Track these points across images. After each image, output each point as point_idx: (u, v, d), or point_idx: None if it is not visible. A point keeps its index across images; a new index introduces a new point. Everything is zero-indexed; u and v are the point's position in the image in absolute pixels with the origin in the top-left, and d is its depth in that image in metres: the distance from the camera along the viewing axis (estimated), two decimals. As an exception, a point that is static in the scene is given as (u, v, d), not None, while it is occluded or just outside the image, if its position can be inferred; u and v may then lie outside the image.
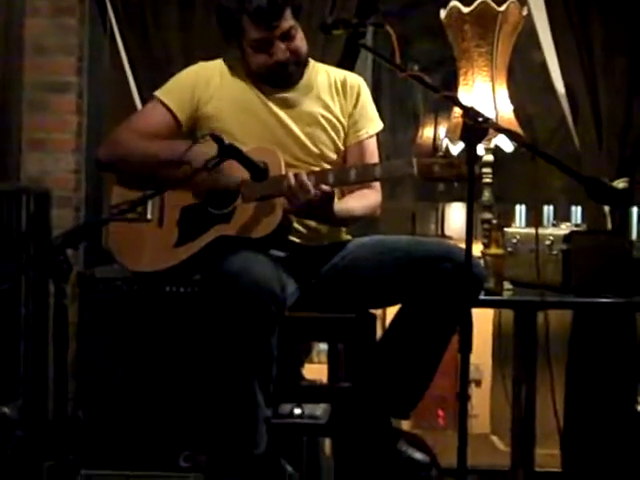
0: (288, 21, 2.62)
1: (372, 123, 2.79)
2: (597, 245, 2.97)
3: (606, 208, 3.19)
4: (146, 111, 2.80)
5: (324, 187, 2.49)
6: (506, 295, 2.94)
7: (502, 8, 3.23)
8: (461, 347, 2.17)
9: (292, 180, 2.50)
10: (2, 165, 3.54)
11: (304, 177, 2.50)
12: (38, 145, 3.58)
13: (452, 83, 3.40)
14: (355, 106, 2.76)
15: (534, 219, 3.25)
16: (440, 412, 3.87)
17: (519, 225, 3.35)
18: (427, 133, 3.92)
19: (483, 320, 3.83)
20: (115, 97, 3.74)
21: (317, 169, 2.64)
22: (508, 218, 3.50)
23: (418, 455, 2.63)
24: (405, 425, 3.70)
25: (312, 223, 2.67)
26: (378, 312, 3.12)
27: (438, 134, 3.75)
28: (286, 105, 2.71)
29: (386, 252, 2.65)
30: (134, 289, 2.89)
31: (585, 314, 3.35)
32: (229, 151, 2.44)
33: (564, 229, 3.01)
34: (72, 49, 3.58)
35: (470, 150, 2.22)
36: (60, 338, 2.51)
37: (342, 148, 2.76)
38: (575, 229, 3.01)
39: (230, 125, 2.65)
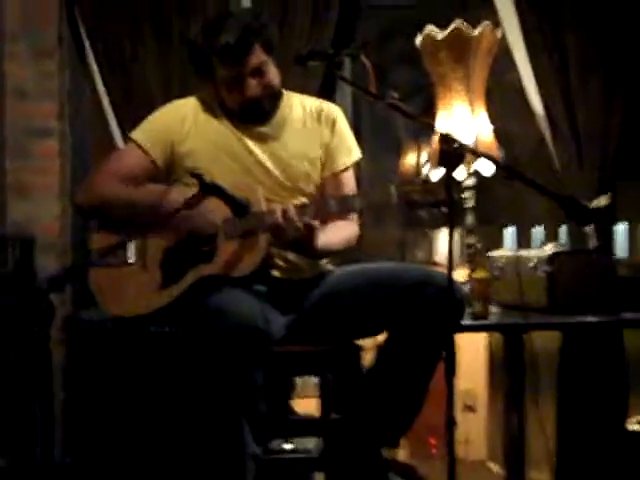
0: (258, 57, 2.61)
1: (349, 154, 2.78)
2: (581, 265, 2.97)
3: (588, 228, 3.20)
4: (122, 154, 2.81)
5: (310, 222, 2.49)
6: (492, 319, 2.94)
7: (476, 32, 3.25)
8: (446, 372, 2.16)
9: (279, 215, 2.49)
10: (-14, 212, 3.55)
11: (292, 212, 2.49)
12: (22, 191, 3.57)
13: (432, 109, 3.41)
14: (332, 136, 2.75)
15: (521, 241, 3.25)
16: (432, 440, 3.85)
17: (508, 247, 3.35)
18: (410, 160, 3.92)
19: (476, 345, 3.82)
20: (98, 139, 3.75)
21: (296, 203, 2.63)
22: (496, 241, 3.50)
23: (409, 487, 2.62)
24: (399, 454, 3.68)
25: (292, 257, 2.66)
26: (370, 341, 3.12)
27: (420, 160, 3.75)
28: (261, 140, 2.70)
29: (369, 281, 2.64)
30: (120, 330, 2.88)
31: (573, 334, 3.34)
32: (210, 188, 2.44)
33: (547, 250, 3.01)
34: (53, 93, 3.60)
35: (448, 175, 2.22)
36: (45, 383, 2.51)
37: (319, 180, 2.75)
38: (558, 250, 3.00)
39: (205, 163, 2.65)
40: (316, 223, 2.49)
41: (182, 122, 2.70)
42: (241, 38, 2.58)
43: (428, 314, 2.52)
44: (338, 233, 2.68)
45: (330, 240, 2.63)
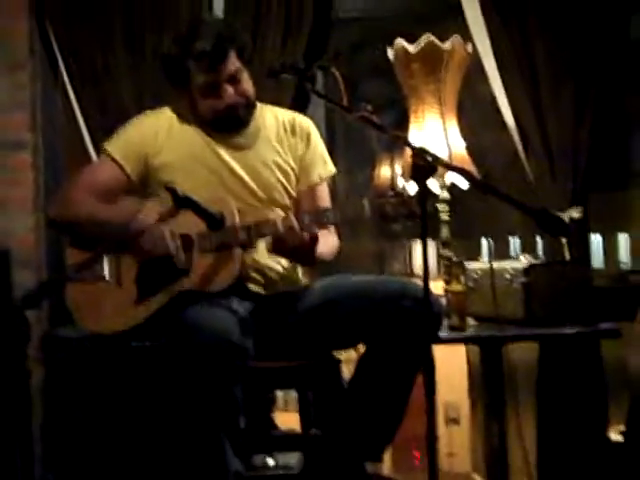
0: (234, 63, 2.62)
1: (324, 167, 2.79)
2: (556, 276, 2.98)
3: (563, 238, 3.22)
4: (95, 167, 2.80)
5: (313, 230, 2.49)
6: (469, 331, 2.95)
7: (447, 45, 3.27)
8: (425, 385, 2.17)
9: (280, 225, 2.48)
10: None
11: (293, 221, 2.48)
12: (-5, 204, 3.55)
13: (405, 122, 3.43)
14: (306, 150, 2.76)
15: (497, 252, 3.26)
16: (416, 453, 3.85)
17: (485, 260, 3.37)
18: (384, 173, 3.94)
19: (458, 358, 3.82)
20: (70, 151, 3.72)
21: (269, 214, 2.62)
22: (474, 253, 3.51)
23: (392, 501, 2.62)
24: (383, 468, 3.68)
25: (268, 270, 2.66)
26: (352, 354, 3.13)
27: (394, 173, 3.77)
28: (235, 150, 2.70)
29: (345, 295, 2.65)
30: (99, 347, 2.86)
31: (550, 345, 3.36)
32: (184, 202, 2.43)
33: (523, 262, 3.02)
34: (25, 105, 3.57)
35: (421, 189, 2.23)
36: (23, 402, 2.49)
37: (293, 192, 2.75)
38: (534, 262, 3.02)
39: (180, 175, 2.64)
40: (316, 233, 2.49)
41: (156, 135, 2.69)
42: (216, 44, 2.58)
43: (405, 325, 2.53)
44: (327, 243, 2.69)
45: (322, 249, 2.63)
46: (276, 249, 2.53)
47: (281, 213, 2.66)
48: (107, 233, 2.54)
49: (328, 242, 2.70)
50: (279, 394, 3.46)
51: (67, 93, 3.58)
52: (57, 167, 3.71)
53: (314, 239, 2.50)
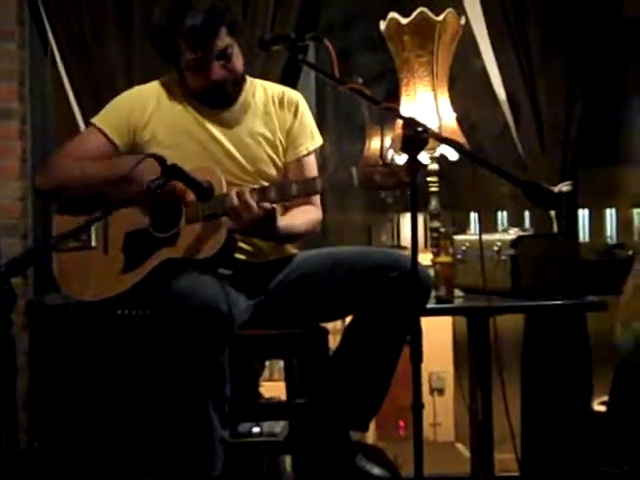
0: (223, 40, 2.60)
1: (311, 139, 2.78)
2: (544, 249, 2.99)
3: (552, 212, 3.22)
4: (83, 137, 2.78)
5: (266, 205, 2.49)
6: (457, 302, 2.96)
7: (440, 18, 3.26)
8: (411, 356, 2.17)
9: (235, 199, 2.49)
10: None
11: (247, 195, 2.49)
12: (-18, 173, 3.54)
13: (396, 94, 3.42)
14: (293, 122, 2.75)
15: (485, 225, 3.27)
16: (401, 423, 3.89)
17: (473, 232, 3.38)
18: (374, 145, 3.93)
19: (443, 329, 3.86)
20: (59, 121, 3.71)
21: (257, 186, 2.62)
22: (463, 226, 3.51)
23: (377, 470, 2.63)
24: (368, 437, 3.70)
25: (256, 240, 2.66)
26: (337, 325, 3.14)
27: (384, 145, 3.75)
28: (223, 125, 2.70)
29: (333, 265, 2.65)
30: (85, 315, 2.86)
31: (536, 317, 3.37)
32: (172, 171, 2.43)
33: (511, 234, 3.03)
34: (13, 74, 3.55)
35: (411, 160, 2.23)
36: (7, 370, 2.48)
37: (281, 165, 2.75)
38: (522, 234, 3.03)
39: (167, 147, 2.63)
40: (273, 205, 2.49)
41: (144, 108, 2.68)
42: (206, 21, 2.56)
43: (392, 296, 2.54)
44: (301, 216, 2.69)
45: (294, 223, 2.63)
46: (235, 224, 2.51)
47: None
48: (103, 184, 2.55)
49: (304, 215, 2.69)
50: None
51: (56, 63, 3.55)
52: (46, 137, 3.70)
53: (271, 213, 2.49)
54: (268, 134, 2.72)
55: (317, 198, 2.75)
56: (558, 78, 3.41)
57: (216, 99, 2.67)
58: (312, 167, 2.78)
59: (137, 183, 2.50)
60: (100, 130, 2.68)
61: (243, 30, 2.81)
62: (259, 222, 2.50)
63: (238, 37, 2.68)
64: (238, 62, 2.66)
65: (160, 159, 2.41)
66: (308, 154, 2.77)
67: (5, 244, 3.43)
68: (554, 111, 3.40)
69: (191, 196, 2.52)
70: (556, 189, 3.19)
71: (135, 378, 2.81)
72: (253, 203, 2.48)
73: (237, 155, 2.68)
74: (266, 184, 2.66)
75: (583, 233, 3.35)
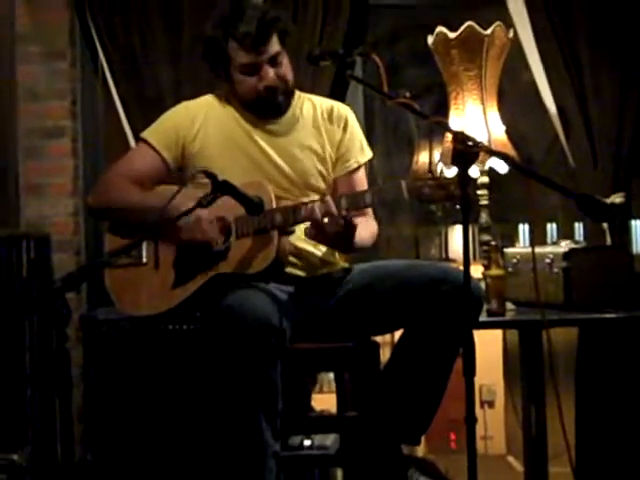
0: (275, 46, 2.63)
1: (361, 153, 2.79)
2: (597, 261, 2.96)
3: (604, 224, 3.19)
4: (133, 154, 2.81)
5: (352, 218, 2.48)
6: (509, 315, 2.93)
7: (488, 32, 3.25)
8: (464, 369, 2.16)
9: (317, 210, 2.48)
10: (1, 212, 3.56)
11: (331, 206, 2.47)
12: (36, 190, 3.60)
13: (444, 108, 3.42)
14: (343, 136, 2.75)
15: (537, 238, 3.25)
16: (452, 436, 3.86)
17: (523, 245, 3.35)
18: (422, 158, 3.93)
19: (493, 342, 3.82)
20: (110, 139, 3.76)
21: (305, 199, 2.62)
22: (512, 238, 3.49)
23: (428, 482, 2.62)
24: (418, 450, 3.68)
25: (306, 254, 2.66)
26: (386, 338, 3.13)
27: (433, 159, 3.76)
28: (272, 136, 2.71)
29: (385, 278, 2.64)
30: (137, 329, 2.89)
31: (590, 330, 3.34)
32: (223, 187, 2.44)
33: (563, 247, 3.00)
34: (65, 93, 3.62)
35: (462, 174, 2.22)
36: (63, 382, 2.52)
37: (330, 179, 2.75)
38: (574, 246, 3.00)
39: (216, 160, 2.65)
40: (351, 219, 2.48)
41: (192, 121, 2.71)
42: (260, 26, 2.59)
43: (444, 310, 2.53)
44: (367, 229, 2.68)
45: (362, 235, 2.62)
46: (313, 235, 2.51)
47: (315, 198, 2.66)
48: (144, 218, 2.54)
49: (368, 227, 2.70)
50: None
51: (107, 82, 3.61)
52: (97, 154, 3.77)
53: (352, 225, 2.49)
54: (317, 147, 2.73)
55: (370, 210, 2.75)
56: (609, 90, 3.39)
57: (266, 108, 2.68)
58: (362, 181, 2.78)
59: (182, 208, 2.49)
60: (149, 145, 2.70)
61: (292, 41, 2.82)
62: (341, 234, 2.49)
63: (287, 47, 2.68)
64: (288, 71, 2.67)
65: (211, 175, 2.42)
66: (358, 168, 2.77)
67: (58, 260, 3.49)
68: (606, 124, 3.38)
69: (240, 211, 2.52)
70: (609, 200, 3.16)
71: (187, 391, 2.83)
72: (337, 214, 2.45)
73: (285, 167, 2.69)
74: (314, 196, 2.66)
75: (636, 245, 3.30)
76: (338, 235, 2.49)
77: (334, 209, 2.47)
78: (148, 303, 2.65)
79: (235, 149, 2.69)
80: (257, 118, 2.70)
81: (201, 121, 2.71)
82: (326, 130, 2.75)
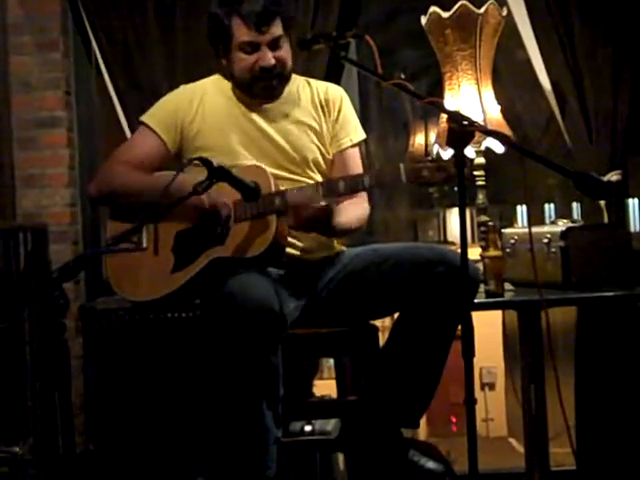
0: (277, 29, 2.63)
1: (354, 132, 2.79)
2: (595, 239, 2.95)
3: (602, 202, 3.18)
4: (134, 139, 2.81)
5: (325, 203, 2.49)
6: (507, 296, 2.93)
7: (481, 10, 3.23)
8: (463, 351, 2.16)
9: (296, 196, 2.49)
10: (-3, 204, 3.56)
11: (306, 193, 2.49)
12: (32, 181, 3.59)
13: (439, 89, 3.40)
14: (337, 117, 2.77)
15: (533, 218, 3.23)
16: (453, 418, 3.87)
17: (521, 225, 3.34)
18: (418, 140, 3.92)
19: (493, 323, 3.82)
20: (105, 127, 3.75)
21: (305, 178, 2.64)
22: (510, 219, 3.48)
23: (431, 464, 2.62)
24: (420, 433, 3.69)
25: (304, 237, 2.66)
26: (385, 322, 3.13)
27: (429, 140, 3.75)
28: (269, 116, 2.72)
29: (380, 261, 2.65)
30: (136, 318, 2.89)
31: (588, 309, 3.33)
32: (219, 173, 2.43)
33: (561, 226, 3.00)
34: (58, 83, 3.61)
35: (458, 154, 2.21)
36: (62, 373, 2.52)
37: (328, 155, 2.76)
38: (572, 225, 2.99)
39: (214, 140, 2.67)
40: (331, 203, 2.49)
41: (190, 103, 2.72)
42: (265, 7, 2.61)
43: (441, 291, 2.53)
44: (352, 212, 2.68)
45: (347, 219, 2.63)
46: (292, 221, 2.52)
47: (316, 175, 2.69)
48: (147, 201, 2.55)
49: (353, 211, 2.69)
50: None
51: (100, 71, 3.59)
52: (93, 143, 3.76)
53: (327, 210, 2.49)
54: (314, 124, 2.74)
55: (364, 193, 2.74)
56: (604, 67, 3.36)
57: (261, 89, 2.68)
58: (356, 160, 2.78)
59: (181, 193, 2.49)
60: (149, 128, 2.71)
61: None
62: (316, 219, 2.50)
63: (289, 34, 2.68)
64: (288, 57, 2.67)
65: (206, 161, 2.41)
66: (352, 146, 2.78)
67: (55, 251, 3.48)
68: (601, 100, 3.36)
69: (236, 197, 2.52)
70: (605, 178, 3.15)
71: (188, 379, 2.83)
72: (309, 201, 2.47)
73: (283, 143, 2.70)
74: (314, 173, 2.67)
75: (634, 223, 3.29)
76: (312, 220, 2.49)
77: (306, 195, 2.46)
78: (147, 287, 2.66)
79: (232, 128, 2.69)
80: (253, 98, 2.70)
81: (198, 102, 2.72)
82: (322, 108, 2.76)
